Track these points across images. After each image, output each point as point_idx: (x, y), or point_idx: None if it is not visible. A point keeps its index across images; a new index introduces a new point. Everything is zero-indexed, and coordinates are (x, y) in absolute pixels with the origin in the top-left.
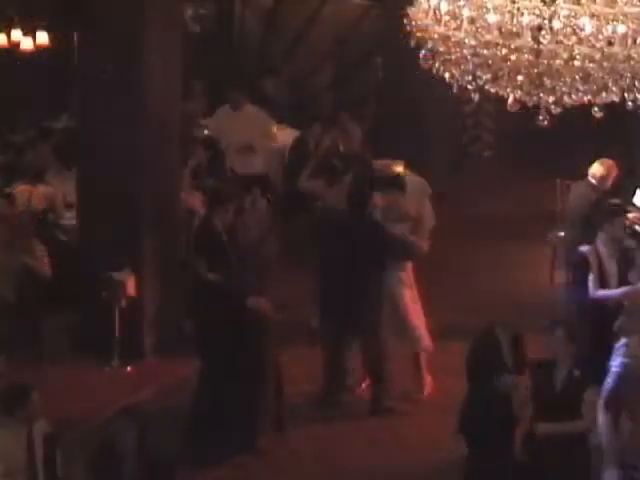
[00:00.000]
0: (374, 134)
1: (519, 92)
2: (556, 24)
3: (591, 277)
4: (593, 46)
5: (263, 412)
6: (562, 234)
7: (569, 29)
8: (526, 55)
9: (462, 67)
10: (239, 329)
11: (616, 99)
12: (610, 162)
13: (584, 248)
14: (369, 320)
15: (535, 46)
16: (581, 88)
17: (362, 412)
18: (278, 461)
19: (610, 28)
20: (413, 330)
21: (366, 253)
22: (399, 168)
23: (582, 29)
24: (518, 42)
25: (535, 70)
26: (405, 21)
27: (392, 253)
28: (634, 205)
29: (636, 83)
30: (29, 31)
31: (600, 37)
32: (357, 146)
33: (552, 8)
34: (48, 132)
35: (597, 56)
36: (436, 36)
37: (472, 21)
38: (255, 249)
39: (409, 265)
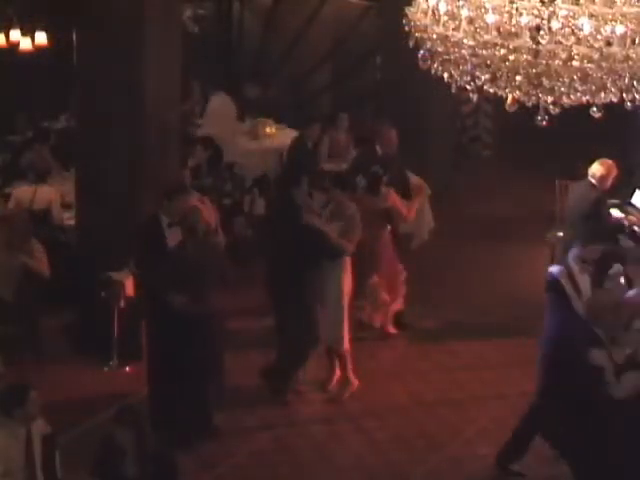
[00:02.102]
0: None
1: (518, 92)
2: (555, 24)
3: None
4: (592, 46)
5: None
6: (561, 234)
7: (568, 29)
8: (525, 55)
9: (461, 67)
10: (171, 326)
11: (615, 99)
12: (609, 162)
13: (554, 269)
14: (292, 316)
15: (534, 46)
16: (580, 88)
17: (360, 412)
18: (277, 461)
19: (609, 28)
20: (330, 328)
21: (290, 252)
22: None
23: (581, 29)
24: (517, 42)
25: (534, 70)
26: (404, 21)
27: (315, 251)
28: (632, 205)
29: (634, 83)
30: (28, 31)
31: (599, 37)
32: (394, 149)
33: (551, 8)
34: (47, 133)
35: (596, 56)
36: (435, 36)
37: (471, 21)
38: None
39: (342, 264)
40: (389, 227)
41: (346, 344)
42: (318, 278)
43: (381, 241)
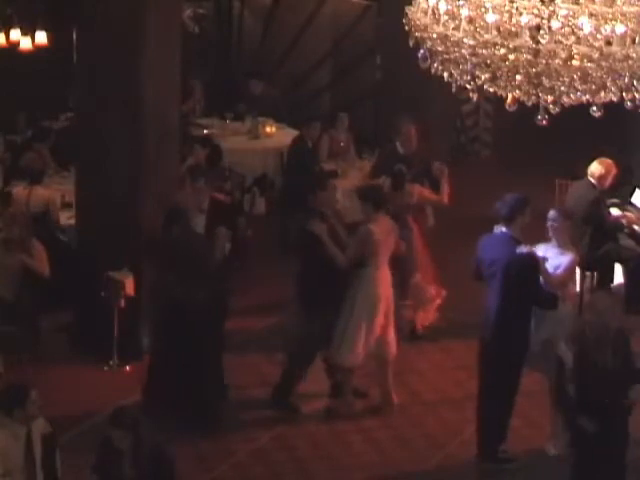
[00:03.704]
0: (372, 134)
1: (518, 92)
2: (554, 24)
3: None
4: (591, 45)
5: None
6: None
7: (567, 29)
8: (525, 55)
9: (461, 67)
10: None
11: (615, 98)
12: (609, 161)
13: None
14: (298, 323)
15: (534, 46)
16: (580, 87)
17: (361, 412)
18: (277, 460)
19: (608, 27)
20: (346, 344)
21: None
22: None
23: (580, 29)
24: (517, 42)
25: (534, 70)
26: (404, 20)
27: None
28: (632, 204)
29: (634, 82)
30: (28, 31)
31: (599, 36)
32: (415, 146)
33: (551, 8)
34: (46, 132)
35: (595, 55)
36: (435, 36)
37: (471, 21)
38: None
39: (366, 278)
40: (415, 225)
41: (352, 361)
42: (339, 285)
43: (414, 239)
